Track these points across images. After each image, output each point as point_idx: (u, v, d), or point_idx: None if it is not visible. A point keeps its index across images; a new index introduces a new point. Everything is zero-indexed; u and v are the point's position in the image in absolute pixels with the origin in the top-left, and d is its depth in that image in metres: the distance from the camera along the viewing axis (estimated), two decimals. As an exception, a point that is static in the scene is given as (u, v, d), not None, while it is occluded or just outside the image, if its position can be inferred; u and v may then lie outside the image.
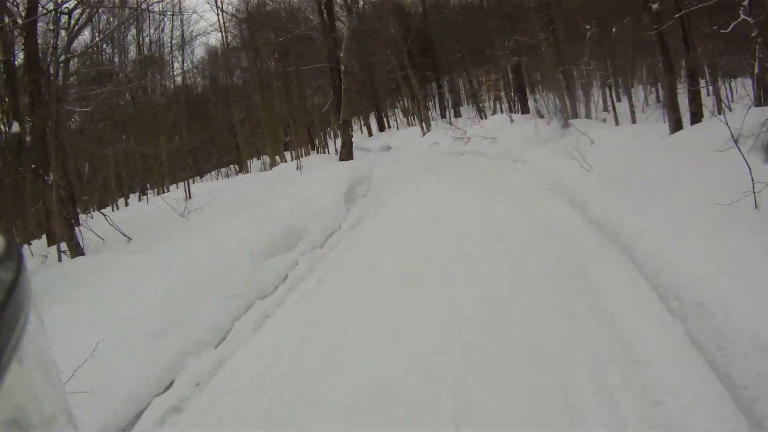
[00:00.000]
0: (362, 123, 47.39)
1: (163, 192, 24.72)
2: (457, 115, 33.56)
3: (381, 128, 43.10)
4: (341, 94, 17.95)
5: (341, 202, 10.89)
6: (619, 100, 28.15)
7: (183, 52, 32.70)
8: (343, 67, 17.50)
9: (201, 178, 34.07)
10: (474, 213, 8.65)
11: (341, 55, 17.65)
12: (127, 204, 26.68)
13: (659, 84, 26.12)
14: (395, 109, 44.95)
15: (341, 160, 17.62)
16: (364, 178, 14.07)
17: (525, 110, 23.33)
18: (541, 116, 18.26)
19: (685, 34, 10.94)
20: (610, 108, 23.21)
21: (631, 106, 15.14)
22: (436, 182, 13.02)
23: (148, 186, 30.33)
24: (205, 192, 17.57)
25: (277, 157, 28.70)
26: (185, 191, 17.56)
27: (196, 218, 10.56)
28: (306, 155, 30.21)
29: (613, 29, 15.37)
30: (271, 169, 23.32)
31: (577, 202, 7.78)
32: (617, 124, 14.90)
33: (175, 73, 32.77)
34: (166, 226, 10.55)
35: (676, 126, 10.50)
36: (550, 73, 15.60)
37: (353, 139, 47.25)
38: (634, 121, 14.84)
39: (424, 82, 32.47)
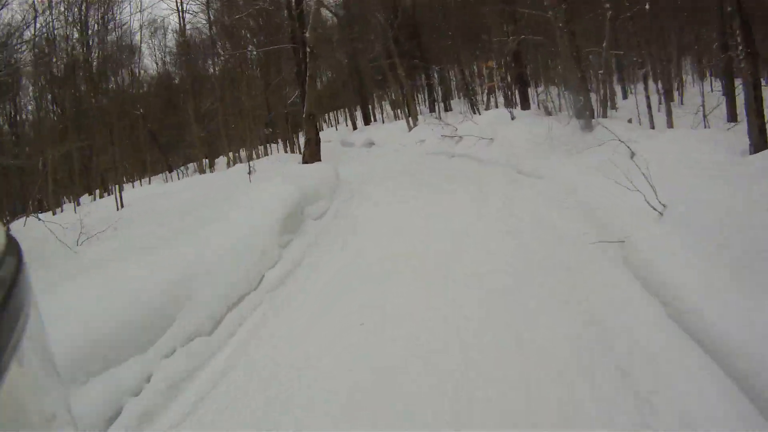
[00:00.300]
0: (348, 115, 43.88)
1: (108, 194, 21.19)
2: (448, 109, 29.97)
3: (366, 121, 39.63)
4: (306, 81, 14.38)
5: (273, 234, 7.30)
6: (625, 97, 24.61)
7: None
8: (309, 49, 13.94)
9: (169, 173, 30.47)
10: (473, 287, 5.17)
11: (306, 34, 14.07)
12: (78, 204, 23.12)
13: (679, 78, 22.71)
14: (383, 102, 41.44)
15: (304, 162, 14.08)
16: (324, 191, 10.54)
17: (525, 105, 19.79)
18: (548, 113, 14.75)
19: (740, 8, 7.46)
20: (618, 105, 19.73)
21: (668, 106, 11.56)
22: (417, 201, 9.55)
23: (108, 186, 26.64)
24: (142, 199, 14.06)
25: (245, 152, 25.10)
26: (116, 200, 14.05)
27: (88, 254, 7.31)
28: (285, 151, 26.65)
29: (646, 5, 11.80)
30: (228, 168, 19.72)
31: (682, 309, 3.64)
32: (652, 127, 11.34)
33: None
34: (54, 260, 7.35)
35: (760, 140, 7.03)
36: (566, 61, 12.00)
37: (336, 132, 43.83)
38: (670, 125, 11.33)
39: (412, 71, 28.82)
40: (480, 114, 20.76)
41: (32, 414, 0.80)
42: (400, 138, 24.49)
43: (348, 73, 40.16)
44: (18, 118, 28.03)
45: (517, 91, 20.62)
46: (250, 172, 13.07)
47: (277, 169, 12.99)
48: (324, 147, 38.18)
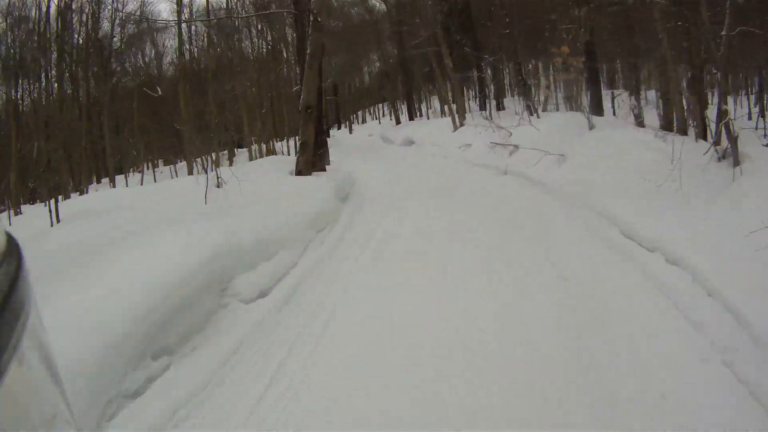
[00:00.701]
0: (393, 108, 39.59)
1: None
2: (500, 107, 25.35)
3: (411, 116, 35.32)
4: (304, 60, 10.14)
5: (85, 380, 3.16)
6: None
7: None
8: (312, 17, 9.71)
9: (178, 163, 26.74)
10: None
11: (312, -3, 9.81)
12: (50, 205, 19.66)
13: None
14: (432, 97, 36.99)
15: (297, 172, 9.81)
16: (295, 234, 6.34)
17: (597, 110, 15.13)
18: (640, 124, 10.24)
19: None
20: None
21: None
22: (442, 260, 5.33)
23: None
24: (86, 211, 10.07)
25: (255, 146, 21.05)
26: (50, 212, 10.09)
27: None
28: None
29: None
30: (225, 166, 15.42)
31: None
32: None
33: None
34: None
35: None
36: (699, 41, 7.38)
37: (378, 126, 39.59)
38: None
39: (462, 63, 24.27)
40: (539, 117, 16.25)
41: (32, 414, 0.76)
42: (443, 139, 20.19)
43: (397, 63, 36.24)
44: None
45: (587, 93, 15.94)
46: (218, 185, 8.94)
47: (259, 182, 8.82)
48: (363, 141, 34.08)
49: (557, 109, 20.82)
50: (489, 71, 25.13)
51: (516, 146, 11.48)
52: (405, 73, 33.73)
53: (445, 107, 25.49)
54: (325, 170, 10.49)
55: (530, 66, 27.16)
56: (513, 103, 26.14)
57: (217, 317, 4.37)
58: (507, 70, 29.27)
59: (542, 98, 21.83)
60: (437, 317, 4.14)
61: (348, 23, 42.36)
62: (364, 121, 50.28)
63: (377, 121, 44.16)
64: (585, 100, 16.25)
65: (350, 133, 42.94)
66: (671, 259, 4.31)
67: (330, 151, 27.07)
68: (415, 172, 14.01)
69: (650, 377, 3.05)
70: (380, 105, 47.90)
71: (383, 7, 36.05)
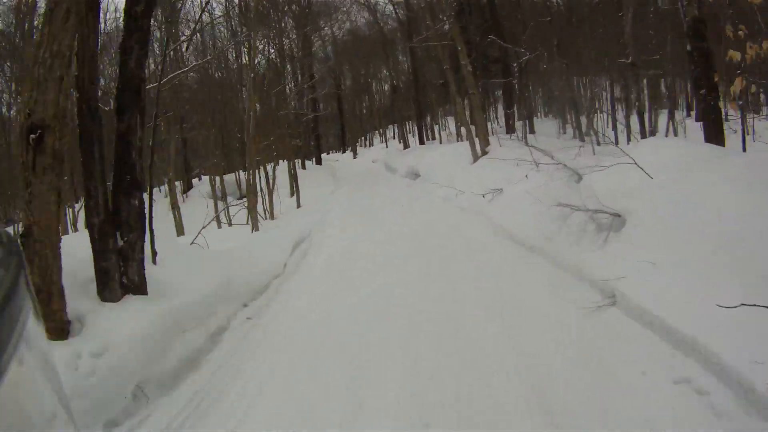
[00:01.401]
0: (401, 129, 33.24)
1: None
2: (531, 130, 18.69)
3: (422, 140, 29.00)
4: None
5: None
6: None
7: None
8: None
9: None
10: None
11: None
12: None
13: None
14: (447, 117, 30.59)
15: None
16: None
17: (714, 134, 8.55)
18: None
19: None
20: None
21: None
22: None
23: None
24: None
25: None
26: None
27: None
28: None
29: None
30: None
31: None
32: None
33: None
34: None
35: None
36: None
37: (385, 150, 33.17)
38: None
39: (484, 71, 17.84)
40: (628, 141, 9.74)
41: (32, 414, 0.73)
42: (458, 173, 13.68)
43: (408, 79, 30.30)
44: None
45: (694, 104, 9.27)
46: None
47: None
48: (364, 168, 27.54)
49: (608, 129, 14.37)
50: (519, 80, 18.42)
51: (619, 216, 4.96)
52: (416, 87, 27.61)
53: (461, 128, 18.88)
54: (145, 292, 4.05)
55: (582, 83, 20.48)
56: (546, 125, 19.70)
57: None
58: (531, 86, 22.53)
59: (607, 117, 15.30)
60: None
61: (357, 35, 36.70)
62: (371, 144, 44.45)
63: (385, 144, 37.94)
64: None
65: (354, 157, 36.87)
66: None
67: (318, 181, 20.62)
68: (402, 249, 7.47)
69: None
70: (391, 126, 41.84)
71: (392, 11, 30.15)
